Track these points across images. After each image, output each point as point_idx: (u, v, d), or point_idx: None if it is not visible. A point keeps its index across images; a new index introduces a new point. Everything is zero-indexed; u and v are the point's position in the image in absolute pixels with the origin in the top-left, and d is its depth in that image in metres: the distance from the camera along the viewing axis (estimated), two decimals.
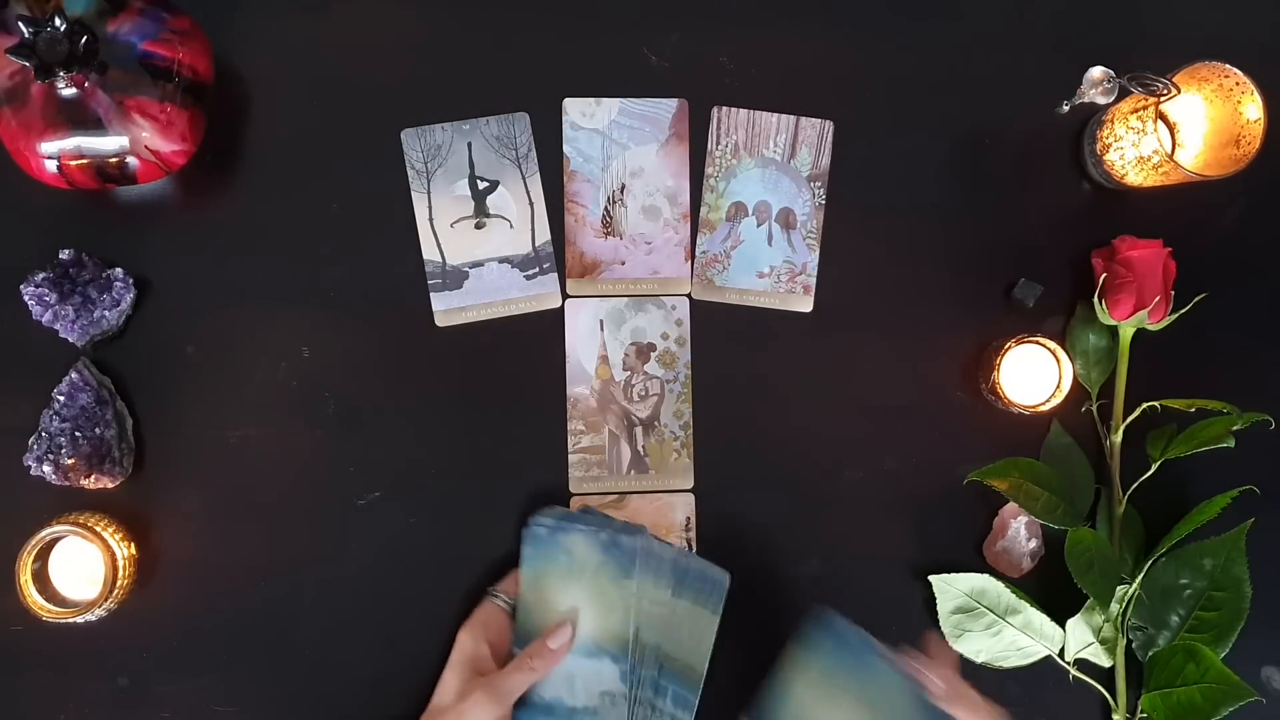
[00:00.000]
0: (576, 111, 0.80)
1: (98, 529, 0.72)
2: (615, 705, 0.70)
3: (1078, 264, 0.81)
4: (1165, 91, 0.72)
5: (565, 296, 0.79)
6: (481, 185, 0.79)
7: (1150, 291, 0.76)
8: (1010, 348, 0.77)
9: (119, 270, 0.75)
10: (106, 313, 0.74)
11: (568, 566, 0.71)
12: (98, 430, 0.73)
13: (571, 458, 0.78)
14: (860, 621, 0.79)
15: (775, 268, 0.80)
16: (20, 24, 0.64)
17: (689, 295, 0.80)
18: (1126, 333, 0.78)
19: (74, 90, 0.66)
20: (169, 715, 0.75)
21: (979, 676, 0.78)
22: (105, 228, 0.77)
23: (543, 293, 0.79)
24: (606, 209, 0.80)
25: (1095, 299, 0.78)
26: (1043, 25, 0.82)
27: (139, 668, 0.75)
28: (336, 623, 0.76)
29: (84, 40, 0.65)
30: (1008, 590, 0.76)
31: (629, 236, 0.80)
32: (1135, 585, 0.76)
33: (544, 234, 0.79)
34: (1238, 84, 0.73)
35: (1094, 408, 0.80)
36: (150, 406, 0.76)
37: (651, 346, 0.79)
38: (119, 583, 0.72)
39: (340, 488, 0.77)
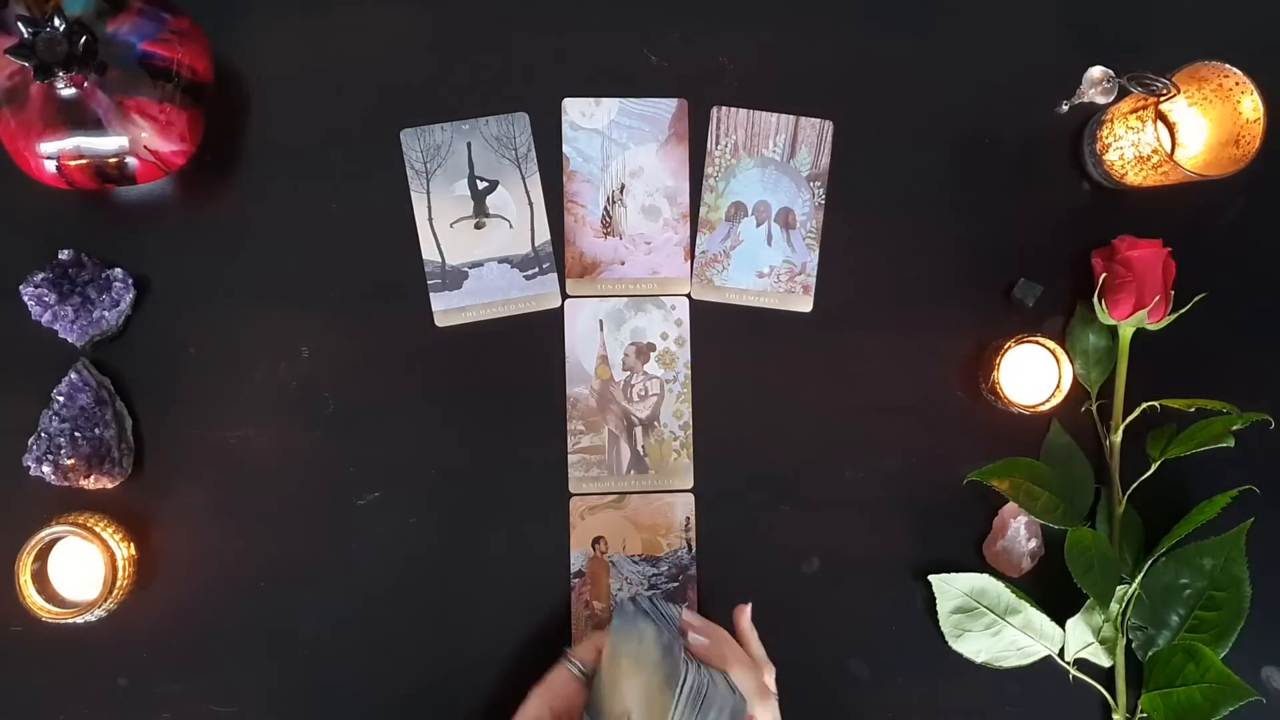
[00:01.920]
0: (576, 111, 0.80)
1: (97, 529, 0.72)
2: None
3: (1077, 264, 0.81)
4: (1165, 91, 0.72)
5: (565, 296, 0.79)
6: (481, 185, 0.79)
7: (1150, 291, 0.76)
8: (1010, 347, 0.77)
9: (118, 270, 0.75)
10: (106, 313, 0.74)
11: (635, 655, 0.67)
12: (97, 430, 0.73)
13: (571, 458, 0.78)
14: (860, 621, 0.79)
15: (775, 267, 0.80)
16: (19, 24, 0.64)
17: (688, 295, 0.80)
18: (1126, 332, 0.78)
19: (73, 90, 0.66)
20: (168, 716, 0.75)
21: (979, 676, 0.78)
22: (104, 228, 0.77)
23: (542, 293, 0.79)
24: (606, 209, 0.80)
25: (1095, 299, 0.78)
26: (1042, 25, 0.82)
27: (138, 668, 0.75)
28: (336, 623, 0.76)
29: (83, 40, 0.65)
30: (1007, 590, 0.76)
31: (628, 236, 0.80)
32: (1135, 585, 0.76)
33: (543, 234, 0.79)
34: (1237, 84, 0.73)
35: (1094, 407, 0.80)
36: (150, 407, 0.76)
37: (651, 346, 0.79)
38: (118, 583, 0.72)
39: (340, 488, 0.77)
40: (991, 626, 0.77)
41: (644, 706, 0.67)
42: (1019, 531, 0.79)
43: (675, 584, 0.78)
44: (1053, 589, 0.78)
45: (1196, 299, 0.77)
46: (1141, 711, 0.77)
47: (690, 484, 0.79)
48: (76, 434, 0.73)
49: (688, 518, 0.79)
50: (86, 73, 0.65)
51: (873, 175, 0.81)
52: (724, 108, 0.80)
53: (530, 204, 0.79)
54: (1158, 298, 0.76)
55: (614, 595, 0.78)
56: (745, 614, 0.71)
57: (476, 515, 0.77)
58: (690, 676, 0.66)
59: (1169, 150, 0.75)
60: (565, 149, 0.80)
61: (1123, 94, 0.74)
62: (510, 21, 0.80)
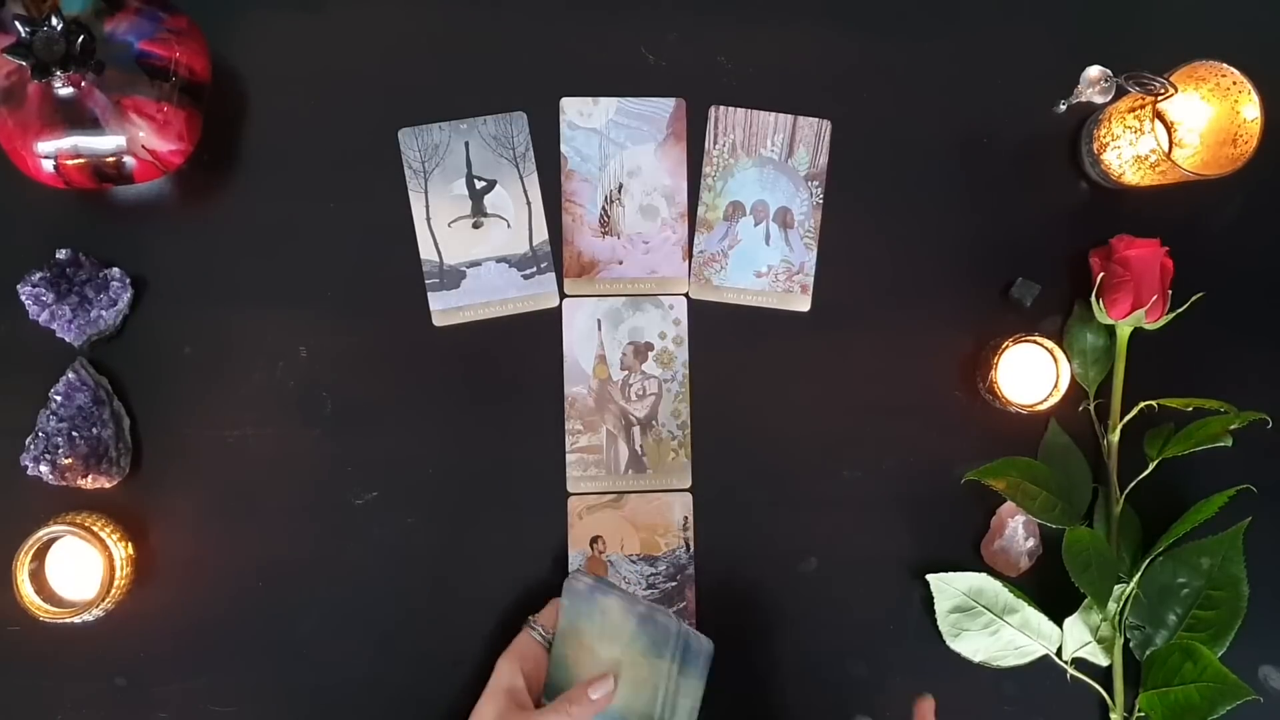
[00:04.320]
0: (574, 111, 0.80)
1: (95, 529, 0.71)
2: None
3: (1075, 263, 0.81)
4: (1162, 91, 0.72)
5: (563, 296, 0.79)
6: (479, 185, 0.79)
7: (1148, 290, 0.76)
8: (1008, 347, 0.77)
9: (116, 270, 0.75)
10: (103, 312, 0.74)
11: (601, 628, 0.69)
12: (95, 430, 0.73)
13: (569, 457, 0.78)
14: (858, 620, 0.79)
15: (773, 267, 0.80)
16: (17, 23, 0.64)
17: (686, 295, 0.80)
18: (1124, 332, 0.78)
19: (71, 90, 0.66)
20: (166, 715, 0.75)
21: (977, 675, 0.78)
22: (102, 227, 0.77)
23: (540, 292, 0.79)
24: (604, 208, 0.80)
25: (1093, 298, 0.78)
26: (1041, 24, 0.82)
27: (136, 668, 0.75)
28: (333, 623, 0.76)
29: (81, 40, 0.65)
30: (1005, 589, 0.76)
31: (626, 236, 0.80)
32: (1133, 584, 0.76)
33: (541, 233, 0.79)
34: (1235, 83, 0.73)
35: (1091, 407, 0.80)
36: (147, 406, 0.76)
37: (649, 346, 0.79)
38: (116, 583, 0.71)
39: (338, 487, 0.77)
40: (989, 626, 0.77)
41: (628, 675, 0.68)
42: (1017, 531, 0.79)
43: (673, 583, 0.78)
44: (1050, 588, 0.78)
45: (1194, 298, 0.77)
46: (1139, 710, 0.77)
47: (688, 483, 0.79)
48: (74, 433, 0.73)
49: (685, 517, 0.79)
50: (84, 72, 0.65)
51: (870, 174, 0.81)
52: (722, 107, 0.80)
53: (528, 203, 0.79)
54: (1155, 297, 0.76)
55: None
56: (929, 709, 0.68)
57: (474, 515, 0.77)
58: (676, 639, 0.67)
59: (1166, 150, 0.75)
60: (563, 148, 0.80)
61: (1120, 93, 0.74)
62: (508, 21, 0.80)
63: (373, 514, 0.77)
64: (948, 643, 0.77)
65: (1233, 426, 0.72)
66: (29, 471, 0.73)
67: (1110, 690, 0.78)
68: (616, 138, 0.80)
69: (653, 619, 0.69)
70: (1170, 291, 0.77)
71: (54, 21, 0.64)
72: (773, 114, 0.81)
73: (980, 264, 0.81)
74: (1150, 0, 0.83)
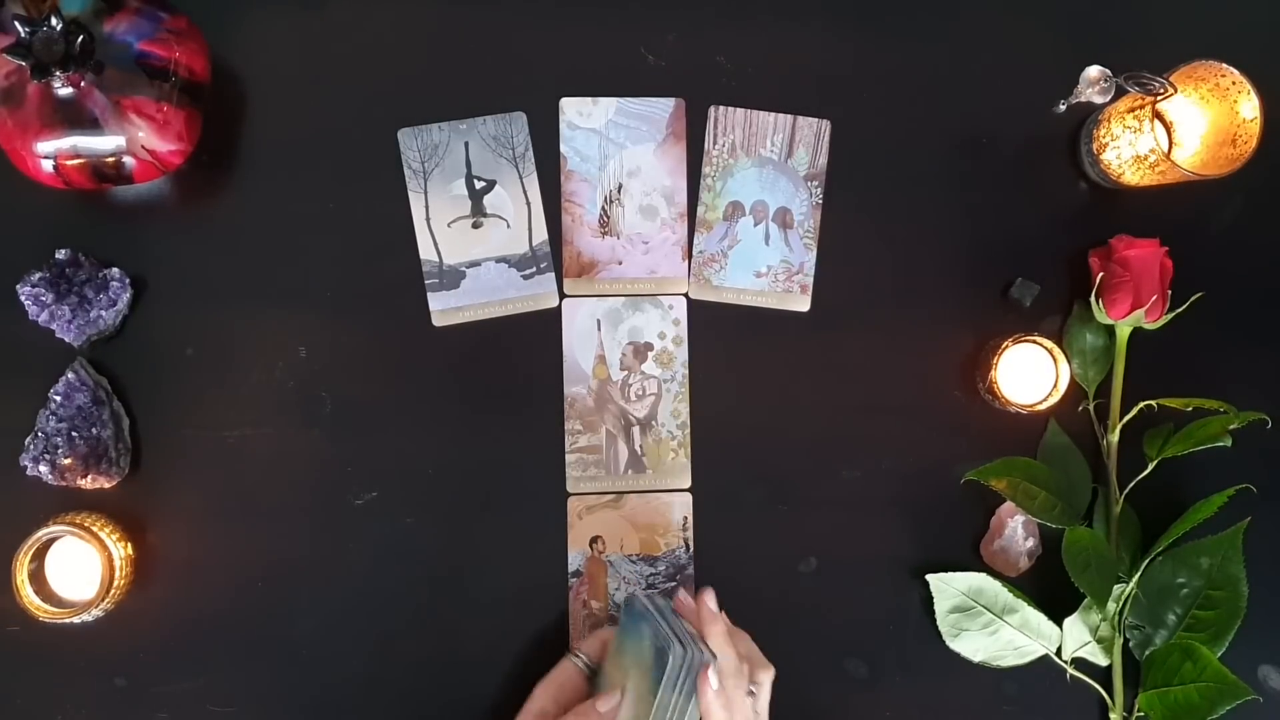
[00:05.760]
0: (573, 111, 0.80)
1: (94, 529, 0.71)
2: None
3: (1075, 263, 0.81)
4: (1162, 91, 0.72)
5: (562, 296, 0.79)
6: (478, 185, 0.79)
7: (1147, 291, 0.76)
8: (1007, 347, 0.77)
9: (115, 270, 0.75)
10: (103, 313, 0.74)
11: (636, 653, 0.68)
12: (94, 430, 0.73)
13: (569, 457, 0.78)
14: (857, 620, 0.79)
15: (772, 267, 0.80)
16: (16, 23, 0.64)
17: (686, 295, 0.80)
18: (1123, 332, 0.78)
19: (70, 90, 0.66)
20: (165, 715, 0.75)
21: (976, 675, 0.78)
22: (101, 227, 0.77)
23: (540, 292, 0.79)
24: (604, 208, 0.80)
25: (1092, 298, 0.78)
26: (1040, 24, 0.82)
27: (136, 668, 0.75)
28: (333, 623, 0.76)
29: (80, 40, 0.65)
30: (1005, 589, 0.76)
31: (626, 236, 0.80)
32: (1132, 584, 0.76)
33: (541, 234, 0.79)
34: (1234, 83, 0.73)
35: (1091, 407, 0.80)
36: (147, 406, 0.76)
37: (649, 346, 0.79)
38: (116, 583, 0.71)
39: (337, 488, 0.77)
40: (989, 626, 0.77)
41: (633, 704, 0.68)
42: (1016, 531, 0.79)
43: (673, 583, 0.78)
44: (1050, 588, 0.78)
45: (1193, 298, 0.77)
46: (1139, 710, 0.77)
47: (688, 483, 0.79)
48: (74, 433, 0.73)
49: (685, 517, 0.79)
50: (83, 72, 0.65)
51: (870, 175, 0.81)
52: (721, 107, 0.80)
53: (528, 204, 0.79)
54: (1155, 297, 0.76)
55: (612, 594, 0.78)
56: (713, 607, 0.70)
57: (474, 515, 0.77)
58: (676, 681, 0.66)
59: (1166, 150, 0.75)
60: (563, 148, 0.80)
61: (1120, 93, 0.74)
62: (508, 21, 0.80)
63: (373, 514, 0.77)
64: (948, 643, 0.77)
65: (1232, 426, 0.72)
66: (29, 471, 0.73)
67: (1110, 690, 0.78)
68: (616, 138, 0.80)
69: (667, 652, 0.67)
70: (1170, 291, 0.77)
71: (53, 21, 0.64)
72: (772, 114, 0.81)
73: (980, 264, 0.81)
74: (1150, 0, 0.83)
